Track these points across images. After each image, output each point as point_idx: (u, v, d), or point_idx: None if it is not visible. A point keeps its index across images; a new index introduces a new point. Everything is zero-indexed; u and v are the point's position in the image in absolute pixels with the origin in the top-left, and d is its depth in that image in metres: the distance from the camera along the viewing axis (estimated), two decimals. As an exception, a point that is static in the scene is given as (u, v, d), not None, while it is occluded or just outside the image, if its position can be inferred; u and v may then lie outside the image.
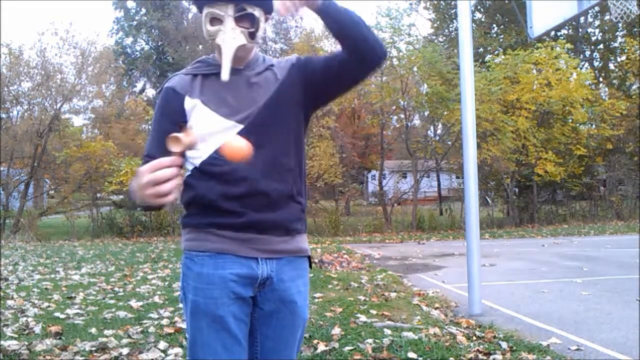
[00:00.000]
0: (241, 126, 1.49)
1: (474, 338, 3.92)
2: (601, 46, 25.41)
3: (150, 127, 1.58)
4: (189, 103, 1.52)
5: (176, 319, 4.46)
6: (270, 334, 1.55)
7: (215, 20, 1.49)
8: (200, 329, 1.48)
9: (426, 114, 17.45)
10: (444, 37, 24.71)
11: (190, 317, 1.50)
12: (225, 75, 1.45)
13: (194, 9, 36.03)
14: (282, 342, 1.56)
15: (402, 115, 17.41)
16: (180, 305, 1.56)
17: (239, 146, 1.35)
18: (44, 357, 3.51)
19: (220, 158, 1.44)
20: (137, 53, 35.52)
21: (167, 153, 1.49)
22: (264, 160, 1.48)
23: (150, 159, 1.48)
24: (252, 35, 1.50)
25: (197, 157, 1.50)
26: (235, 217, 1.47)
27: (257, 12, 1.50)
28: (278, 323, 1.55)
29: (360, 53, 1.47)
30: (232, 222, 1.48)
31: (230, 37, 1.47)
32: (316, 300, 5.25)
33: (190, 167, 1.54)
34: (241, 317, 1.49)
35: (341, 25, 1.46)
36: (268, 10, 1.55)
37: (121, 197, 19.53)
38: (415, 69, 15.51)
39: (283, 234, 1.53)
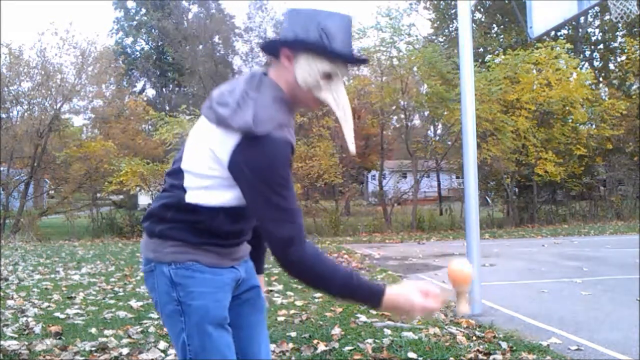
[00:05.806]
0: None
1: (474, 338, 3.92)
2: (601, 46, 25.45)
3: (267, 180, 1.33)
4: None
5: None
6: (244, 323, 1.65)
7: (329, 75, 1.45)
8: (209, 335, 1.48)
9: (426, 114, 17.48)
10: (444, 37, 24.72)
11: (195, 325, 1.48)
12: (353, 148, 1.50)
13: (194, 8, 36.03)
14: (257, 327, 1.68)
15: (402, 115, 17.41)
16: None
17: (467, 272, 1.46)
18: (44, 357, 3.51)
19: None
20: (137, 53, 35.58)
21: None
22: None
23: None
24: None
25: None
26: (224, 240, 1.55)
27: None
28: (250, 309, 1.67)
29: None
30: (222, 243, 1.55)
31: (347, 101, 1.47)
32: (316, 300, 5.25)
33: (204, 198, 1.47)
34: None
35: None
36: None
37: (121, 197, 19.52)
38: (415, 69, 15.50)
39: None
